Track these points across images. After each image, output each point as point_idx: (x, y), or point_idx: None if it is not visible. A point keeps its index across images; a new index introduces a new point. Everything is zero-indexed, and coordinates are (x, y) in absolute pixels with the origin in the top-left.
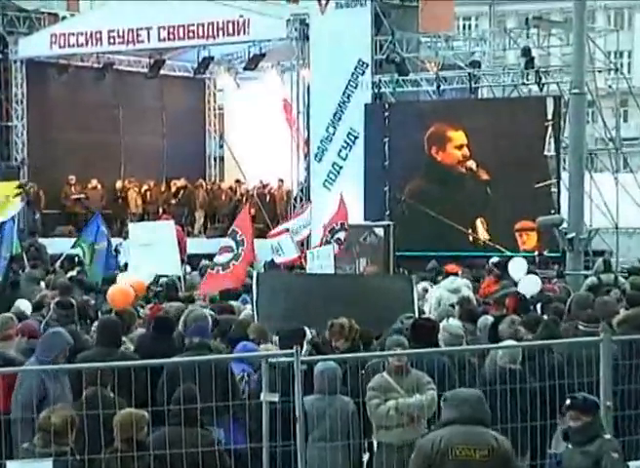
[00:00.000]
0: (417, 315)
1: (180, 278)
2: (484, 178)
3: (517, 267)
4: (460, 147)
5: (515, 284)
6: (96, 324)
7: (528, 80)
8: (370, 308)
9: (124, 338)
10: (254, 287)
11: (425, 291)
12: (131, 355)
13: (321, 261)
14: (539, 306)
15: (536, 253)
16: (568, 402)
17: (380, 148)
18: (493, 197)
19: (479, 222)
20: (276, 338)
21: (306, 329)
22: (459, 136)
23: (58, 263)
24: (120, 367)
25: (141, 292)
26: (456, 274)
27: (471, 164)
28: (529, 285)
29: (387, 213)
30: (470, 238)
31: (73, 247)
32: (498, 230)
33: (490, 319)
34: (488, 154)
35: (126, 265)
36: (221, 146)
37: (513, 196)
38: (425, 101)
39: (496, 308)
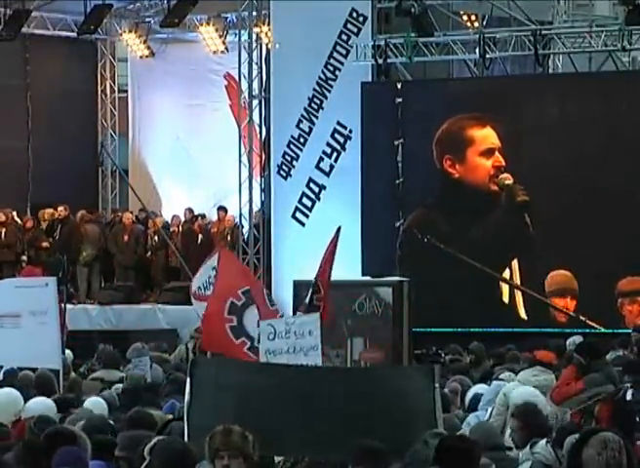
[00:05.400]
0: (440, 429)
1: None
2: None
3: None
4: (487, 153)
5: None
6: None
7: (631, 43)
8: (370, 425)
9: None
10: (187, 382)
11: (455, 393)
12: None
13: (298, 340)
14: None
15: None
16: None
17: (389, 156)
18: (587, 236)
19: (558, 276)
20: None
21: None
22: (484, 136)
23: None
24: None
25: None
26: (550, 366)
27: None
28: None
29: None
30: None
31: None
32: (588, 292)
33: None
34: (578, 166)
35: None
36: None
37: (616, 235)
38: (463, 79)
39: (579, 420)
